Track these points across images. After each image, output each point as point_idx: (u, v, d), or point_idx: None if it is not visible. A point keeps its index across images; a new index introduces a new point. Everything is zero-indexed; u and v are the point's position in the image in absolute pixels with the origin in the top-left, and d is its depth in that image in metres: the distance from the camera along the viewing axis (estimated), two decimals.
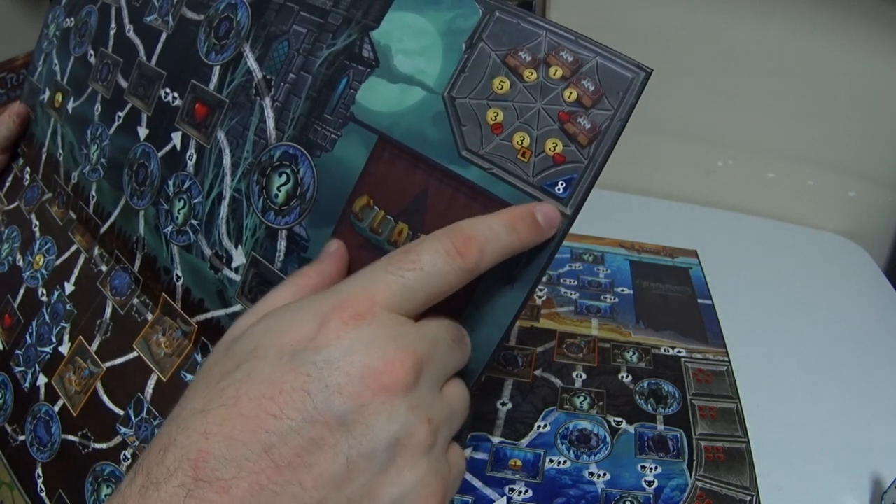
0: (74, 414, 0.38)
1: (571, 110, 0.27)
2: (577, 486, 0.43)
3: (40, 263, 0.44)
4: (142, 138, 0.40)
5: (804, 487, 0.44)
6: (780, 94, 0.71)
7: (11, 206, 0.48)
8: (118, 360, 0.38)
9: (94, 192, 0.43)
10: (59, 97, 0.47)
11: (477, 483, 0.43)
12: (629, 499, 0.42)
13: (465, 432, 0.46)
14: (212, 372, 0.24)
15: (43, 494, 0.37)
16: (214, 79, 0.37)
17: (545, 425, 0.47)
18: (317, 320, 0.23)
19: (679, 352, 0.54)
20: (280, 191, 0.32)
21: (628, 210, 0.78)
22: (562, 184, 0.27)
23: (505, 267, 0.26)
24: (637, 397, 0.50)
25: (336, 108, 0.31)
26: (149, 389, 0.37)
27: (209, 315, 0.36)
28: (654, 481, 0.43)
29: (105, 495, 0.35)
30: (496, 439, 0.46)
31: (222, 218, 0.35)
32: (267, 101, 0.34)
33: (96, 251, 0.42)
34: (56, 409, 0.39)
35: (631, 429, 0.47)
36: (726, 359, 0.54)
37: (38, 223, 0.45)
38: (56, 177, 0.45)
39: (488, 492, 0.42)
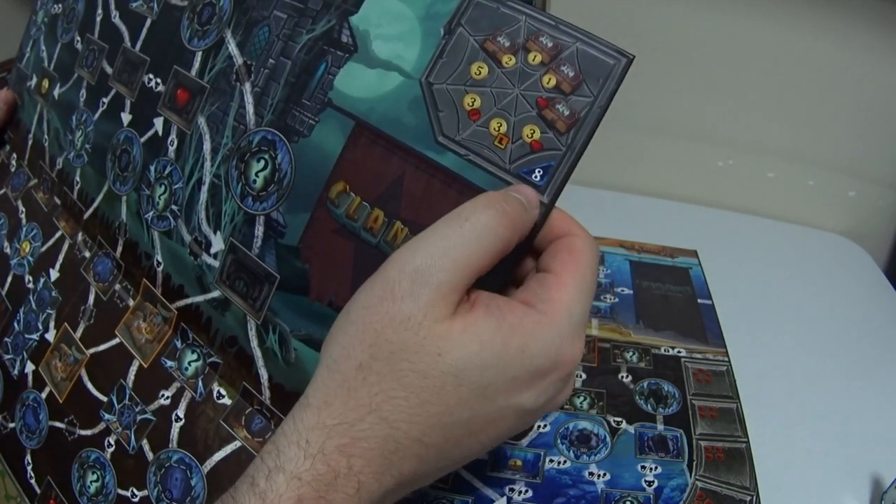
0: (61, 401, 0.38)
1: (550, 96, 0.27)
2: (577, 486, 0.43)
3: (27, 250, 0.44)
4: (125, 124, 0.40)
5: (804, 487, 0.44)
6: (780, 94, 0.71)
7: None
8: (101, 347, 0.38)
9: (78, 178, 0.43)
10: (45, 83, 0.47)
11: (477, 483, 0.43)
12: (629, 499, 0.42)
13: None
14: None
15: (33, 481, 0.38)
16: (196, 64, 0.37)
17: (545, 425, 0.47)
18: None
19: (679, 352, 0.54)
20: (258, 176, 0.32)
21: (628, 210, 0.78)
22: (539, 171, 0.27)
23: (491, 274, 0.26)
24: (637, 397, 0.50)
25: (314, 94, 0.31)
26: (131, 376, 0.37)
27: (188, 301, 0.36)
28: (654, 481, 0.43)
29: (90, 482, 0.35)
30: None
31: (202, 203, 0.35)
32: (247, 87, 0.34)
33: (80, 237, 0.42)
34: (43, 395, 0.39)
35: (631, 429, 0.47)
36: (726, 359, 0.54)
37: (24, 209, 0.46)
38: (41, 162, 0.46)
39: (488, 492, 0.42)
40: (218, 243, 0.34)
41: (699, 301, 0.61)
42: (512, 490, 0.42)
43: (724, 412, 0.48)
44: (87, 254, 0.41)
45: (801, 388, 0.52)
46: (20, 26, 1.01)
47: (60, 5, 0.48)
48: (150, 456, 0.34)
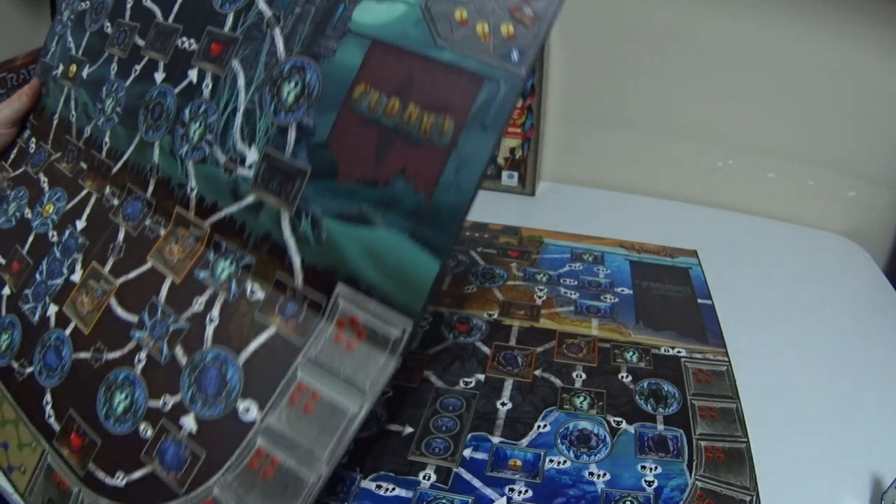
0: (87, 332, 0.40)
1: (517, 4, 0.33)
2: (577, 486, 0.43)
3: (50, 211, 0.47)
4: (158, 82, 0.45)
5: (804, 487, 0.44)
6: (781, 94, 0.71)
7: (17, 172, 0.51)
8: (132, 274, 0.41)
9: (107, 139, 0.47)
10: (73, 68, 0.51)
11: (477, 483, 0.43)
12: (629, 499, 0.42)
13: (463, 432, 0.46)
14: None
15: (51, 420, 0.39)
16: (228, 23, 0.42)
17: (545, 425, 0.47)
18: None
19: (679, 352, 0.54)
20: (290, 95, 0.37)
21: (628, 210, 0.78)
22: (515, 53, 0.32)
23: (479, 114, 0.31)
24: (637, 397, 0.50)
25: (336, 27, 0.37)
26: (163, 293, 0.39)
27: (222, 214, 0.39)
28: (654, 481, 0.43)
29: (118, 402, 0.37)
30: (496, 439, 0.46)
31: (236, 127, 0.39)
32: (277, 31, 0.39)
33: (108, 190, 0.45)
34: (67, 332, 0.41)
35: (631, 429, 0.47)
36: (726, 359, 0.54)
37: (46, 179, 0.49)
38: (67, 136, 0.49)
39: (488, 492, 0.42)
40: (252, 155, 0.38)
41: (699, 301, 0.61)
42: (512, 490, 0.42)
43: (724, 412, 0.48)
44: (116, 201, 0.45)
45: (801, 388, 0.52)
46: (20, 26, 1.02)
47: (88, 2, 0.53)
48: (183, 361, 0.37)
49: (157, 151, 0.43)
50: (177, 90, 0.43)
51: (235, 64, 0.40)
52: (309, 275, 0.35)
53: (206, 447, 0.34)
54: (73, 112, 0.50)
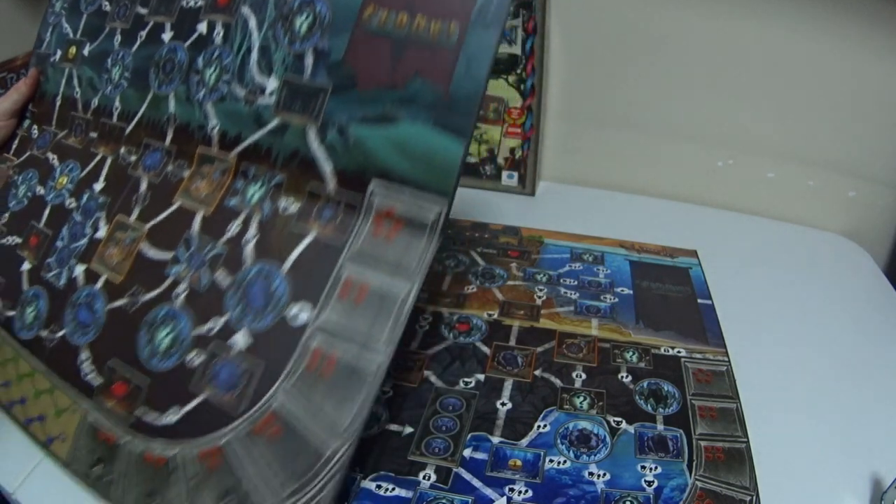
0: (120, 280, 0.41)
1: None
2: (577, 486, 0.43)
3: (64, 182, 0.48)
4: (167, 41, 0.47)
5: (804, 487, 0.44)
6: (781, 95, 0.71)
7: (23, 159, 0.52)
8: (160, 217, 0.42)
9: (117, 104, 0.48)
10: (72, 50, 0.53)
11: (477, 483, 0.43)
12: (629, 499, 0.42)
13: (463, 432, 0.46)
14: None
15: (90, 376, 0.39)
16: None
17: (545, 425, 0.47)
18: None
19: (679, 352, 0.54)
20: (302, 25, 0.40)
21: (628, 210, 0.78)
22: None
23: (480, 14, 0.34)
24: (637, 397, 0.50)
25: None
26: (195, 226, 0.41)
27: (247, 143, 0.41)
28: (653, 481, 0.43)
29: (161, 338, 0.38)
30: (496, 439, 0.46)
31: (253, 63, 0.42)
32: None
33: (123, 150, 0.47)
34: (98, 286, 0.42)
35: (631, 429, 0.47)
36: (726, 359, 0.54)
37: (55, 156, 0.50)
38: (73, 112, 0.51)
39: (488, 492, 0.42)
40: (272, 84, 0.41)
41: (699, 301, 0.61)
42: (512, 490, 0.42)
43: (724, 412, 0.48)
44: (133, 158, 0.46)
45: (801, 388, 0.52)
46: (20, 26, 1.02)
47: None
48: (225, 283, 0.38)
49: (172, 102, 0.45)
50: (187, 44, 0.46)
51: (245, 9, 0.43)
52: (341, 179, 0.37)
53: (262, 359, 0.34)
54: (78, 88, 0.51)
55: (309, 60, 0.39)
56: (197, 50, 0.45)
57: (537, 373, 0.52)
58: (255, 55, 0.42)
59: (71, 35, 0.54)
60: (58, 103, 0.53)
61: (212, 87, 0.43)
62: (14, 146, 0.54)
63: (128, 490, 0.36)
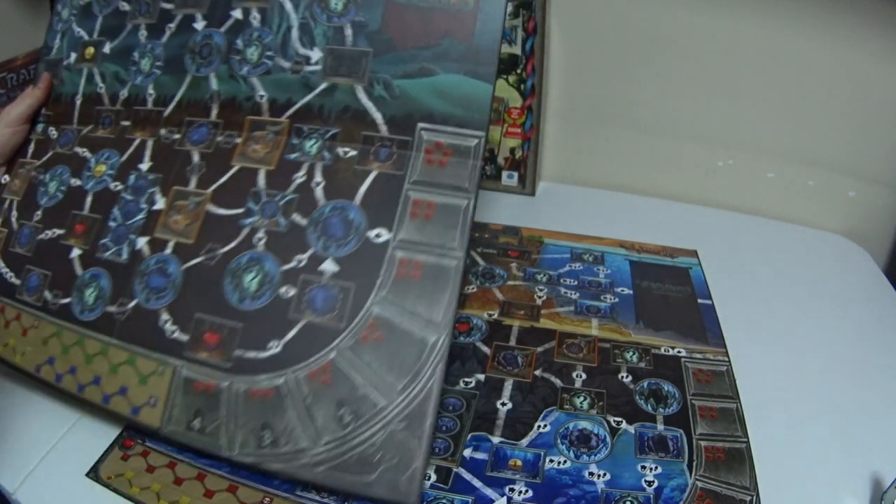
0: (192, 241, 0.43)
1: None
2: (577, 486, 0.43)
3: (102, 170, 0.49)
4: (200, 29, 0.50)
5: (804, 487, 0.44)
6: (781, 95, 0.71)
7: (45, 158, 0.53)
8: (221, 179, 0.45)
9: (151, 91, 0.51)
10: (89, 50, 0.55)
11: (477, 483, 0.43)
12: (629, 499, 0.42)
13: (464, 432, 0.46)
14: None
15: (175, 335, 0.41)
16: None
17: (545, 425, 0.47)
18: None
19: (679, 352, 0.54)
20: (338, 4, 0.45)
21: (628, 210, 0.78)
22: None
23: None
24: (637, 397, 0.50)
25: None
26: (260, 181, 0.44)
27: (297, 106, 0.45)
28: (654, 481, 0.43)
29: (248, 281, 0.40)
30: (496, 439, 0.46)
31: (294, 39, 0.46)
32: None
33: (163, 132, 0.49)
34: (168, 251, 0.43)
35: (631, 429, 0.47)
36: (726, 359, 0.54)
37: (85, 149, 0.51)
38: (97, 107, 0.52)
39: (488, 492, 0.42)
40: (316, 54, 0.46)
41: (699, 301, 0.61)
42: (512, 490, 0.42)
43: (724, 412, 0.48)
44: (177, 136, 0.48)
45: (801, 388, 0.52)
46: (20, 26, 1.02)
47: None
48: (304, 223, 0.41)
49: (214, 81, 0.49)
50: (223, 29, 0.49)
51: None
52: (391, 124, 0.43)
53: (353, 279, 0.38)
54: (102, 84, 0.53)
55: (349, 32, 0.45)
56: (234, 33, 0.49)
57: (537, 373, 0.52)
58: (295, 32, 0.46)
59: (86, 37, 0.56)
60: (78, 102, 0.55)
61: (255, 63, 0.47)
62: (31, 150, 0.55)
63: (236, 431, 0.38)
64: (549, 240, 0.70)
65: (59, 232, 0.48)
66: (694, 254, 0.68)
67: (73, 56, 0.57)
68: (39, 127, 0.56)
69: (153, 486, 0.42)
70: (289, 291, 0.39)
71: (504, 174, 0.80)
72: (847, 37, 0.66)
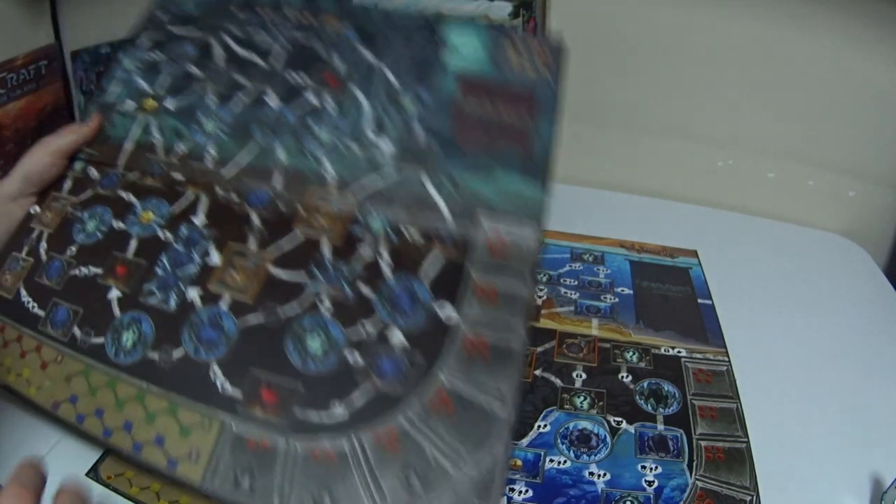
0: (250, 300, 0.43)
1: (540, 50, 0.51)
2: (578, 485, 0.43)
3: (150, 217, 0.49)
4: (273, 105, 0.53)
5: (804, 487, 0.44)
6: (781, 95, 0.71)
7: (84, 197, 0.53)
8: (283, 244, 0.45)
9: (212, 151, 0.52)
10: (150, 102, 0.56)
11: None
12: (629, 499, 0.42)
13: None
14: None
15: (228, 389, 0.40)
16: (337, 63, 0.54)
17: (545, 425, 0.47)
18: None
19: (679, 352, 0.54)
20: (410, 104, 0.50)
21: (628, 210, 0.78)
22: (548, 74, 0.51)
23: (541, 105, 0.49)
24: (637, 397, 0.50)
25: (433, 67, 0.52)
26: (325, 251, 0.45)
27: (364, 185, 0.47)
28: (654, 481, 0.43)
29: (311, 343, 0.40)
30: None
31: (368, 128, 0.49)
32: (385, 70, 0.52)
33: (219, 190, 0.50)
34: (223, 306, 0.43)
35: (631, 429, 0.47)
36: (726, 359, 0.54)
37: (130, 195, 0.51)
38: (150, 155, 0.53)
39: None
40: (387, 143, 0.48)
41: (699, 301, 0.61)
42: (512, 490, 0.42)
43: (724, 412, 0.48)
44: (235, 196, 0.49)
45: (801, 388, 0.52)
46: (20, 26, 1.01)
47: (160, 53, 0.59)
48: (370, 294, 0.42)
49: (281, 152, 0.50)
50: (296, 111, 0.52)
51: (354, 89, 0.52)
52: (455, 212, 0.45)
53: (421, 351, 0.39)
54: (158, 136, 0.54)
55: (419, 130, 0.49)
56: (307, 114, 0.52)
57: (537, 372, 0.52)
58: (368, 122, 0.50)
59: (148, 89, 0.57)
60: (128, 147, 0.55)
61: (325, 143, 0.50)
62: (67, 186, 0.54)
63: (291, 493, 0.36)
64: (549, 239, 0.70)
65: (95, 270, 0.47)
66: (694, 254, 0.68)
67: (131, 104, 0.57)
68: (79, 165, 0.55)
69: (153, 485, 0.42)
70: (355, 357, 0.39)
71: None
72: (847, 37, 0.66)
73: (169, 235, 0.48)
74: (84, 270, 0.47)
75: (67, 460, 0.44)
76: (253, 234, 0.47)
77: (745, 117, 0.74)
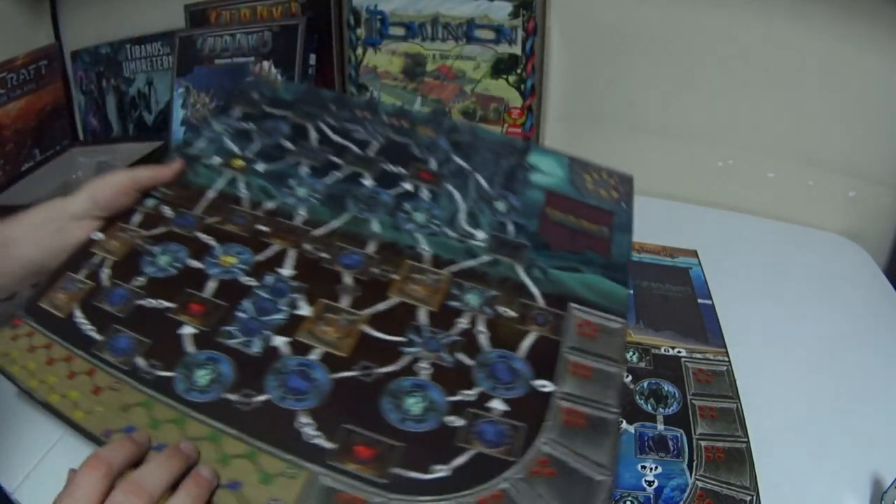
0: (345, 354, 0.43)
1: (615, 184, 0.61)
2: None
3: (232, 262, 0.50)
4: (368, 186, 0.56)
5: (804, 487, 0.44)
6: (781, 95, 0.71)
7: (156, 232, 0.53)
8: (379, 307, 0.46)
9: (303, 213, 0.54)
10: (238, 162, 0.59)
11: None
12: (629, 499, 0.42)
13: None
14: None
15: (318, 440, 0.39)
16: (432, 163, 0.59)
17: None
18: None
19: (679, 352, 0.54)
20: (501, 207, 0.55)
21: None
22: (623, 203, 0.60)
23: (617, 223, 0.57)
24: (637, 397, 0.50)
25: (521, 181, 0.58)
26: (422, 318, 0.46)
27: (460, 266, 0.50)
28: (654, 481, 0.43)
29: (411, 404, 0.40)
30: None
31: (462, 219, 0.54)
32: (478, 176, 0.58)
33: (309, 247, 0.51)
34: (313, 357, 0.43)
35: (631, 429, 0.47)
36: (726, 359, 0.54)
37: (210, 238, 0.52)
38: (234, 206, 0.55)
39: None
40: (481, 234, 0.52)
41: (699, 301, 0.61)
42: None
43: (724, 412, 0.48)
44: (326, 255, 0.50)
45: (801, 388, 0.52)
46: (20, 26, 1.01)
47: (252, 124, 0.63)
48: (469, 363, 0.43)
49: (376, 225, 0.53)
50: (392, 193, 0.56)
51: (449, 186, 0.56)
52: (548, 299, 0.48)
53: (521, 419, 0.40)
54: (245, 191, 0.56)
55: (510, 227, 0.53)
56: (403, 198, 0.55)
57: None
58: (463, 215, 0.54)
59: (236, 151, 0.60)
60: (210, 195, 0.56)
61: (422, 225, 0.53)
62: (137, 220, 0.54)
63: None
64: None
65: (167, 304, 0.47)
66: (694, 254, 0.68)
67: (217, 159, 0.59)
68: (151, 202, 0.56)
69: None
70: (456, 421, 0.39)
71: None
72: (847, 37, 0.66)
73: (253, 282, 0.48)
74: (153, 302, 0.47)
75: (68, 460, 0.44)
76: (346, 292, 0.47)
77: (745, 117, 0.74)
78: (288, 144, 0.60)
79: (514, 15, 0.73)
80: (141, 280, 0.49)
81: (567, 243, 0.53)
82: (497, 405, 0.40)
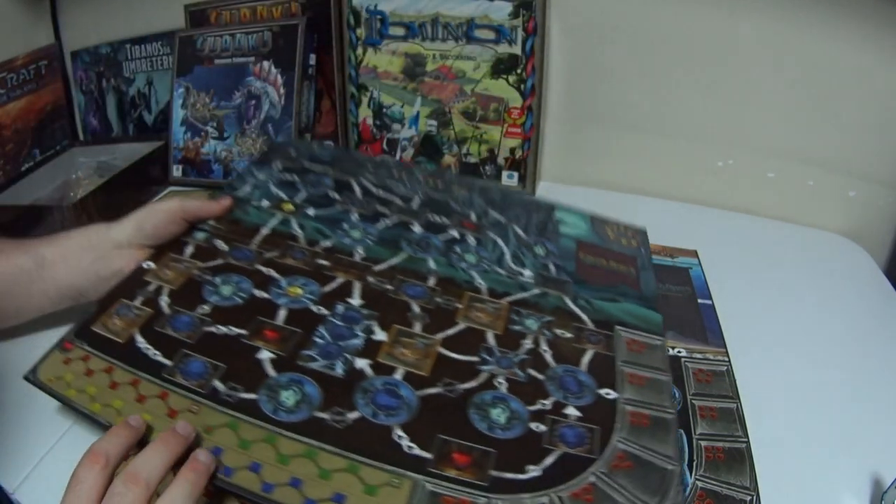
0: (426, 374, 0.46)
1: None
2: None
3: (299, 292, 0.52)
4: (418, 232, 0.61)
5: (804, 487, 0.44)
6: (780, 94, 0.71)
7: (214, 264, 0.55)
8: (449, 332, 0.50)
9: (361, 251, 0.58)
10: (288, 206, 0.63)
11: None
12: None
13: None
14: None
15: (415, 451, 0.41)
16: (472, 217, 0.64)
17: None
18: None
19: (679, 352, 0.54)
20: (541, 252, 0.60)
21: (628, 210, 0.77)
22: (642, 248, 0.65)
23: (641, 264, 0.62)
24: None
25: (552, 231, 0.64)
26: (490, 340, 0.50)
27: (516, 297, 0.55)
28: None
29: (496, 415, 0.43)
30: None
31: (508, 261, 0.59)
32: (515, 226, 0.63)
33: (372, 279, 0.54)
34: (398, 376, 0.46)
35: None
36: (726, 359, 0.54)
37: (271, 270, 0.54)
38: (291, 242, 0.58)
39: None
40: (528, 272, 0.58)
41: (699, 301, 0.61)
42: None
43: (724, 412, 0.48)
44: (391, 287, 0.54)
45: (800, 388, 0.52)
46: (20, 26, 1.01)
47: (295, 176, 0.67)
48: (541, 377, 0.47)
49: (433, 263, 0.57)
50: (440, 238, 0.60)
51: (491, 234, 0.61)
52: (595, 323, 0.53)
53: (595, 423, 0.43)
54: (299, 231, 0.59)
55: (552, 267, 0.59)
56: (452, 243, 0.60)
57: None
58: (508, 257, 0.59)
59: (284, 197, 0.64)
60: (265, 232, 0.58)
61: (473, 265, 0.58)
62: (189, 251, 0.56)
63: None
64: None
65: (238, 331, 0.48)
66: (694, 254, 0.68)
67: (266, 202, 0.62)
68: (201, 235, 0.57)
69: None
70: (539, 427, 0.43)
71: (504, 174, 0.80)
72: (847, 37, 0.66)
73: (324, 311, 0.50)
74: (223, 329, 0.48)
75: (68, 460, 0.44)
76: (417, 320, 0.50)
77: (745, 117, 0.74)
78: (334, 195, 0.65)
79: (514, 15, 0.73)
80: (206, 308, 0.50)
81: (601, 279, 0.58)
82: (572, 412, 0.44)
